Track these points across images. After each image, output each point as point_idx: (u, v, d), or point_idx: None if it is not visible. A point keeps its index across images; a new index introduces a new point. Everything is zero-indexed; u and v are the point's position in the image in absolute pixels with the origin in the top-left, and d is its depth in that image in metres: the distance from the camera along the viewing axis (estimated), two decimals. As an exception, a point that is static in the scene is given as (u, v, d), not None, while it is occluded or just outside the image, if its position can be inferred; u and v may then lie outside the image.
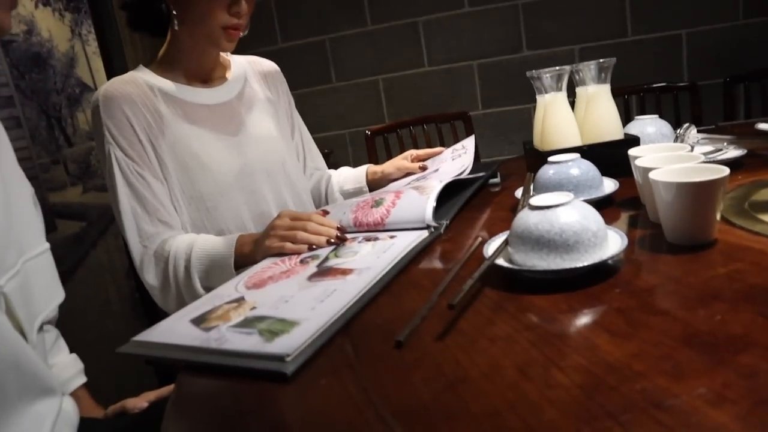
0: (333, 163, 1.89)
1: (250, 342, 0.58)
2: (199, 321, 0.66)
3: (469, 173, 1.10)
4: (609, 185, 0.89)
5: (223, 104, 1.11)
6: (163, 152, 1.01)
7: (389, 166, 1.23)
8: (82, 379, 0.84)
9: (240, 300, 0.71)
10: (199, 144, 1.04)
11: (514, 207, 0.87)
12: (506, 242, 0.67)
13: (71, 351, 0.86)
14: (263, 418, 0.50)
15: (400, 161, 1.24)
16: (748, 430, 0.36)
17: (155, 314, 0.96)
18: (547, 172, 0.87)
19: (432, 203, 0.88)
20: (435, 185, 0.94)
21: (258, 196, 1.10)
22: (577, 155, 0.88)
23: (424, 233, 0.85)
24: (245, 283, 0.77)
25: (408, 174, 1.21)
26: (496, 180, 1.18)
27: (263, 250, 0.88)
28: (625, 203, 0.88)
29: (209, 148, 1.05)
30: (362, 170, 1.28)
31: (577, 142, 1.05)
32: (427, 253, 0.82)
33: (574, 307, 0.57)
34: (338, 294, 0.66)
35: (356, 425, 0.45)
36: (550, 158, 0.89)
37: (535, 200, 0.65)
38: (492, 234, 0.75)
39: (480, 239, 0.73)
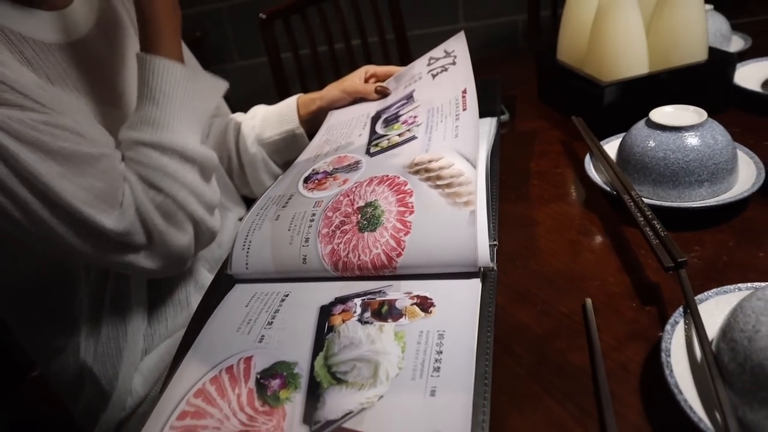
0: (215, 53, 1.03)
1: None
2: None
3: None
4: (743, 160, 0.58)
5: (80, 42, 0.62)
6: None
7: (333, 89, 0.85)
8: None
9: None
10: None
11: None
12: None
13: None
14: None
15: (350, 81, 0.84)
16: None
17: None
18: (645, 141, 0.57)
19: (485, 229, 0.47)
20: (458, 165, 0.54)
21: None
22: (696, 115, 0.56)
23: (474, 284, 0.46)
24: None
25: (360, 100, 0.84)
26: (504, 116, 0.84)
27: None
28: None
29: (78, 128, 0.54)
30: (290, 104, 0.86)
31: (645, 66, 0.73)
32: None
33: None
34: None
35: None
36: (656, 115, 0.58)
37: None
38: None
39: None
